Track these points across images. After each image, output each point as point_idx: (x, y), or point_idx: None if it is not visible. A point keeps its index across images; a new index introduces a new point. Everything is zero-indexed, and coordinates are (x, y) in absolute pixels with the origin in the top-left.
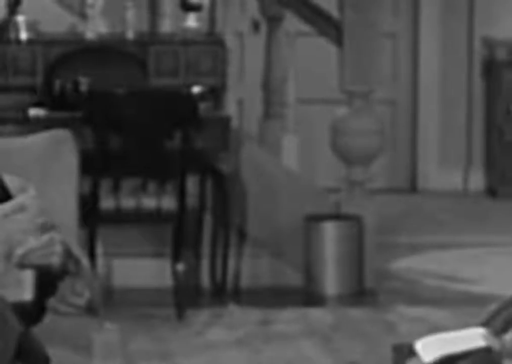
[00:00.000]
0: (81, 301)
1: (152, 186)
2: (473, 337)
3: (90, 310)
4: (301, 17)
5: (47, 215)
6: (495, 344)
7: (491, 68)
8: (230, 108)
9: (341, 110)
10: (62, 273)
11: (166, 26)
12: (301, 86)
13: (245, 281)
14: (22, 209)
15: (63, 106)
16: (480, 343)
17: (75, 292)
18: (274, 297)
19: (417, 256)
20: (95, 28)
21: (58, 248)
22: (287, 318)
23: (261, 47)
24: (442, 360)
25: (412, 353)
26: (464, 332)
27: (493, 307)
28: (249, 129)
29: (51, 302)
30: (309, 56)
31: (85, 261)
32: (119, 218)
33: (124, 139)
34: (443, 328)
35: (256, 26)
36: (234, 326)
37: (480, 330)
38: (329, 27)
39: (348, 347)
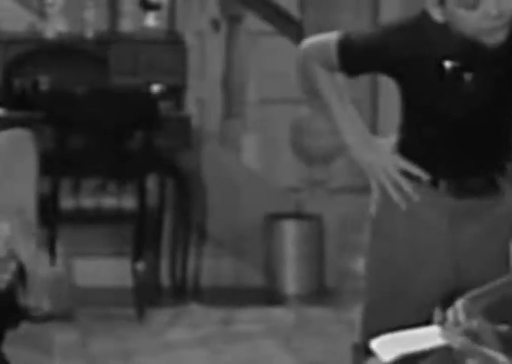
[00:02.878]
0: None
1: (112, 185)
2: (432, 336)
3: (53, 316)
4: (262, 16)
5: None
6: (455, 342)
7: None
8: (190, 107)
9: (302, 110)
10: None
11: (126, 25)
12: (262, 85)
13: (206, 281)
14: None
15: (23, 106)
16: (439, 341)
17: None
18: (235, 296)
19: None
20: (54, 27)
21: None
22: (248, 318)
23: (222, 46)
24: (402, 360)
25: (369, 352)
26: (422, 331)
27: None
28: (209, 128)
29: None
30: (270, 55)
31: (44, 270)
32: (79, 217)
33: (84, 138)
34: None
35: (216, 25)
36: (195, 326)
37: (439, 328)
38: (290, 26)
39: (309, 346)
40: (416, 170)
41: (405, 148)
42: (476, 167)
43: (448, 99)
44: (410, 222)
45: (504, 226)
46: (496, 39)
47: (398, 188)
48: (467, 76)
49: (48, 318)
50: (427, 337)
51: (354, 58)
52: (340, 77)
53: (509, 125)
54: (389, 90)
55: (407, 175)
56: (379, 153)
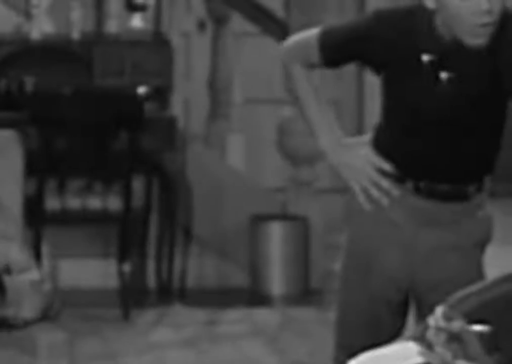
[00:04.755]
0: None
1: (97, 186)
2: (409, 354)
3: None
4: (247, 17)
5: None
6: (433, 359)
7: None
8: (176, 108)
9: (288, 111)
10: None
11: (111, 26)
12: (247, 86)
13: (191, 281)
14: None
15: (8, 106)
16: (417, 359)
17: None
18: (220, 297)
19: None
20: (40, 28)
21: None
22: (233, 318)
23: (207, 47)
24: None
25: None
26: (398, 348)
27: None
28: (195, 129)
29: None
30: (255, 56)
31: (34, 275)
32: (65, 218)
33: (69, 139)
34: None
35: (202, 26)
36: (180, 326)
37: (415, 346)
38: (275, 27)
39: (294, 347)
40: (386, 166)
41: (378, 144)
42: (443, 172)
43: (422, 96)
44: (375, 218)
45: (469, 241)
46: (477, 40)
47: (378, 187)
48: (444, 75)
49: (28, 324)
50: (407, 355)
51: (335, 47)
52: (316, 78)
53: (487, 137)
54: (374, 91)
55: (378, 170)
56: (354, 155)
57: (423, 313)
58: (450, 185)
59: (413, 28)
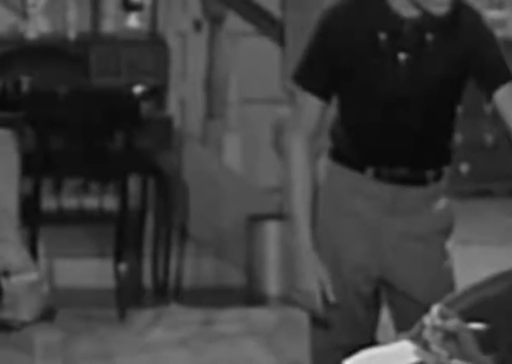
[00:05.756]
0: None
1: (93, 186)
2: (403, 354)
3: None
4: (244, 17)
5: None
6: (428, 359)
7: None
8: (172, 108)
9: (284, 110)
10: None
11: (107, 26)
12: (243, 85)
13: (187, 281)
14: None
15: (4, 106)
16: (412, 359)
17: None
18: (217, 296)
19: None
20: (36, 28)
21: None
22: (230, 318)
23: (203, 46)
24: None
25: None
26: (393, 348)
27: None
28: (191, 128)
29: None
30: (251, 55)
31: (33, 276)
32: (61, 218)
33: (66, 139)
34: (385, 327)
35: (198, 26)
36: (176, 326)
37: (410, 345)
38: (271, 26)
39: (290, 347)
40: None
41: (335, 137)
42: (402, 156)
43: (380, 77)
44: (338, 211)
45: (431, 230)
46: (441, 10)
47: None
48: (402, 56)
49: (25, 326)
50: (401, 355)
51: (312, 74)
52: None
53: (443, 122)
54: None
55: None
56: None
57: (395, 304)
58: (408, 169)
59: (365, 9)
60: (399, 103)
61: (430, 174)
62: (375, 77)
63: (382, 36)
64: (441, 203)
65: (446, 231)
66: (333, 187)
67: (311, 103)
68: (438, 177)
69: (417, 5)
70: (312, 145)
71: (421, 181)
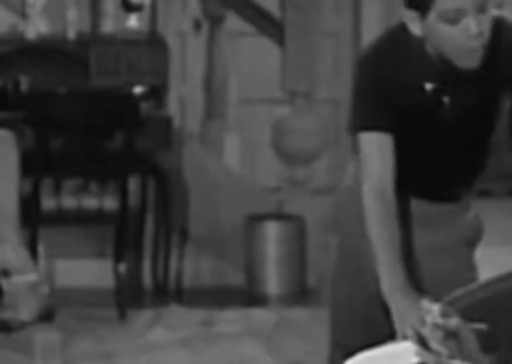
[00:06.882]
0: None
1: (93, 186)
2: (405, 354)
3: (43, 318)
4: (243, 17)
5: None
6: (429, 359)
7: None
8: (172, 108)
9: (283, 110)
10: None
11: (107, 26)
12: (243, 85)
13: (187, 281)
14: None
15: (3, 106)
16: (413, 359)
17: None
18: (217, 297)
19: None
20: (36, 28)
21: None
22: (229, 318)
23: (203, 46)
24: None
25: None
26: (394, 348)
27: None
28: (191, 128)
29: None
30: (251, 55)
31: (31, 277)
32: (61, 218)
33: (65, 139)
34: None
35: (197, 26)
36: (176, 327)
37: (411, 346)
38: (271, 26)
39: (291, 347)
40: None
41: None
42: (446, 189)
43: (428, 125)
44: (363, 219)
45: (460, 241)
46: (470, 63)
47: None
48: (446, 99)
49: (25, 325)
50: (403, 355)
51: (372, 116)
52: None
53: (485, 148)
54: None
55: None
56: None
57: None
58: (444, 188)
59: (407, 59)
60: (443, 146)
61: (463, 190)
62: (424, 122)
63: (428, 86)
64: (471, 214)
65: (474, 242)
66: (360, 194)
67: (381, 145)
68: (470, 189)
69: (446, 61)
70: (389, 194)
71: (455, 198)
